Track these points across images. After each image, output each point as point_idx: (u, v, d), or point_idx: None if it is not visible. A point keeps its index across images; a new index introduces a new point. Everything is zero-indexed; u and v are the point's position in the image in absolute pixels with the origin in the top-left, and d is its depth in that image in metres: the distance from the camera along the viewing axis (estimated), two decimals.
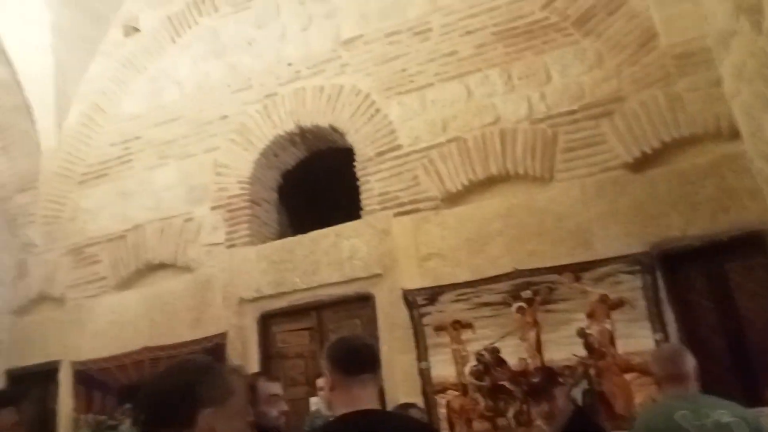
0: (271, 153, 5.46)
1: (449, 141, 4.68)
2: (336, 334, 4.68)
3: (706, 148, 4.00)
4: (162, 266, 5.49)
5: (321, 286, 4.80)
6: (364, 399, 1.55)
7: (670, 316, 3.76)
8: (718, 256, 3.89)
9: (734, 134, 3.88)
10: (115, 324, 5.45)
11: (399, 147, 4.84)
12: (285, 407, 2.30)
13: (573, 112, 4.35)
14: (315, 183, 5.95)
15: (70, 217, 6.01)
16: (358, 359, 1.62)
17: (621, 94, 4.25)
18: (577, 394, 3.67)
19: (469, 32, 4.85)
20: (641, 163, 4.11)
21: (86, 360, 5.43)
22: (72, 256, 5.86)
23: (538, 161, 4.37)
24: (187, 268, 5.34)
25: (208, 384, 1.15)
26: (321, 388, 3.20)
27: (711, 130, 3.98)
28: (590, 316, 3.85)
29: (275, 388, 2.32)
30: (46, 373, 5.57)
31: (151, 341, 5.21)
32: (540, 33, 4.61)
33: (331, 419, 1.66)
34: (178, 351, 5.05)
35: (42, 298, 5.90)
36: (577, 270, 3.97)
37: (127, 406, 5.11)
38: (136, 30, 6.41)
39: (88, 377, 5.39)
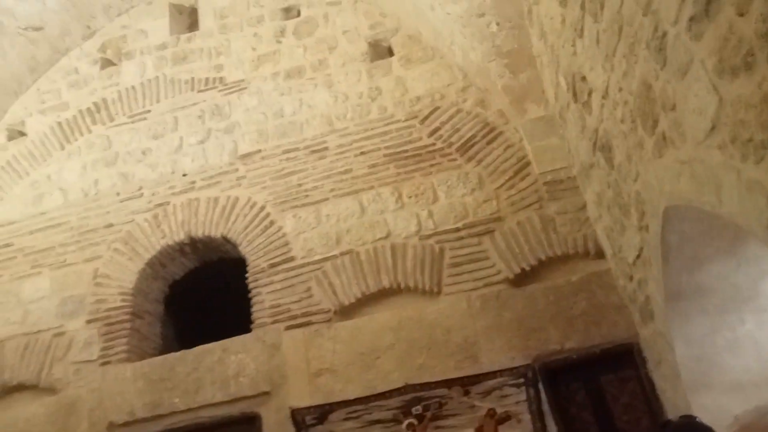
0: (158, 263, 5.24)
1: (342, 254, 4.75)
2: None
3: (577, 266, 4.34)
4: (20, 388, 4.85)
5: (203, 406, 4.45)
6: None
7: (553, 429, 3.83)
8: (594, 368, 4.08)
9: (600, 254, 4.27)
10: None
11: (292, 259, 4.84)
12: None
13: (458, 229, 4.62)
14: (205, 294, 5.72)
15: None
16: None
17: (500, 215, 4.59)
18: None
19: (363, 153, 5.13)
20: (521, 279, 4.37)
21: None
22: None
23: (427, 275, 4.51)
24: (50, 390, 4.76)
25: None
26: None
27: (580, 249, 4.35)
28: (479, 431, 3.85)
29: None
30: None
31: None
32: (427, 157, 4.97)
33: None
34: None
35: None
36: (465, 384, 4.01)
37: None
38: (22, 134, 6.18)
39: None
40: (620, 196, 3.45)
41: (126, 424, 4.52)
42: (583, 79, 3.41)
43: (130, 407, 4.55)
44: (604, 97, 3.12)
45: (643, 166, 2.85)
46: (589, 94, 3.37)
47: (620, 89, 2.85)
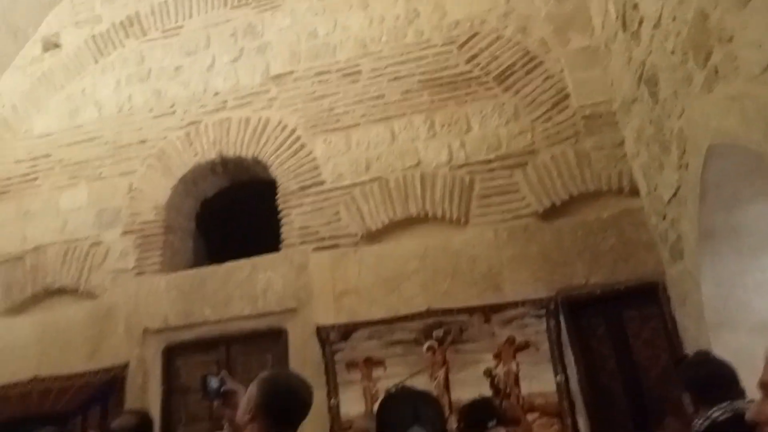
0: (190, 180, 5.33)
1: (372, 180, 4.76)
2: (245, 369, 4.54)
3: (609, 202, 4.28)
4: (61, 292, 5.12)
5: (232, 318, 4.64)
6: None
7: (570, 360, 3.92)
8: (617, 304, 4.11)
9: (634, 191, 4.19)
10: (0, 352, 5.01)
11: (322, 183, 4.87)
12: None
13: (489, 161, 4.56)
14: (236, 213, 5.84)
15: None
16: (296, 413, 1.66)
17: (534, 148, 4.50)
18: None
19: (396, 78, 5.03)
20: (550, 213, 4.34)
21: None
22: None
23: (455, 205, 4.51)
24: (89, 295, 5.02)
25: None
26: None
27: (613, 186, 4.28)
28: (497, 356, 3.96)
29: None
30: None
31: (40, 372, 4.81)
32: (463, 85, 4.85)
33: None
34: (71, 382, 4.69)
35: None
36: (487, 312, 4.09)
37: None
38: (57, 46, 6.18)
39: None
40: (662, 132, 3.35)
41: (160, 330, 4.76)
42: (635, 6, 3.24)
43: (164, 315, 4.78)
44: (655, 27, 2.97)
45: (690, 102, 2.75)
46: (640, 23, 3.21)
47: (674, 18, 2.71)
